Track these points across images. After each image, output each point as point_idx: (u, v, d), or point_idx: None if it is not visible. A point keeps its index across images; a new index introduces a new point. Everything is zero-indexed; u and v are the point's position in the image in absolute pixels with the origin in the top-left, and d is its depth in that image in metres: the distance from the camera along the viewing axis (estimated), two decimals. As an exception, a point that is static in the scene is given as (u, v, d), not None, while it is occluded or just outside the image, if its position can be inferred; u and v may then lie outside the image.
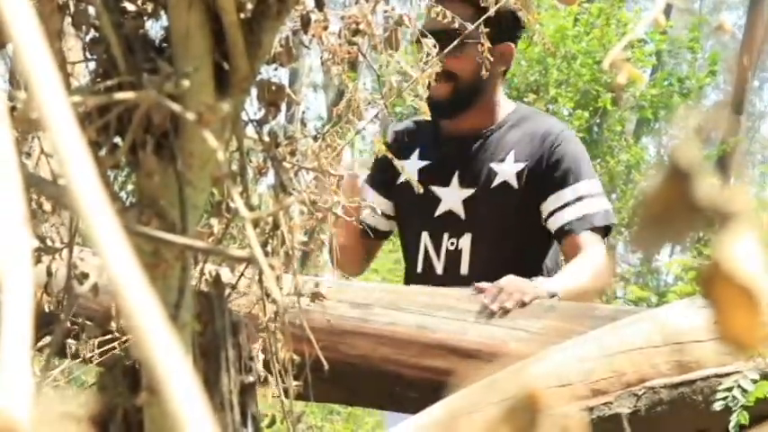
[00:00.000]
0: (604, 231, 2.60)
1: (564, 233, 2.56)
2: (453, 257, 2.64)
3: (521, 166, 2.62)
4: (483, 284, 2.26)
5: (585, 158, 2.66)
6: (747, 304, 0.52)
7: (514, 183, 2.62)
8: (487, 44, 2.18)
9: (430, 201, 2.65)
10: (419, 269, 2.69)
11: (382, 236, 2.85)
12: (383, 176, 2.71)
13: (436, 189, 2.66)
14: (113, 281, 0.41)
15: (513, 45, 2.63)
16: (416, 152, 2.71)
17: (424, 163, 2.70)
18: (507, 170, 2.62)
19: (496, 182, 2.63)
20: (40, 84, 0.41)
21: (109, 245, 0.41)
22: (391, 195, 2.75)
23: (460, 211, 2.65)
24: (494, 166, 2.64)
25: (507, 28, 2.53)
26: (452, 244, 2.65)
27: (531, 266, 2.61)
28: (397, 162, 2.03)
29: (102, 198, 0.41)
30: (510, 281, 2.24)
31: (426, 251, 2.68)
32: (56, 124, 0.39)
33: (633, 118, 9.38)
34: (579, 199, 2.57)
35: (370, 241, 2.79)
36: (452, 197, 2.65)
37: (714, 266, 0.52)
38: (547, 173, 2.60)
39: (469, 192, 2.64)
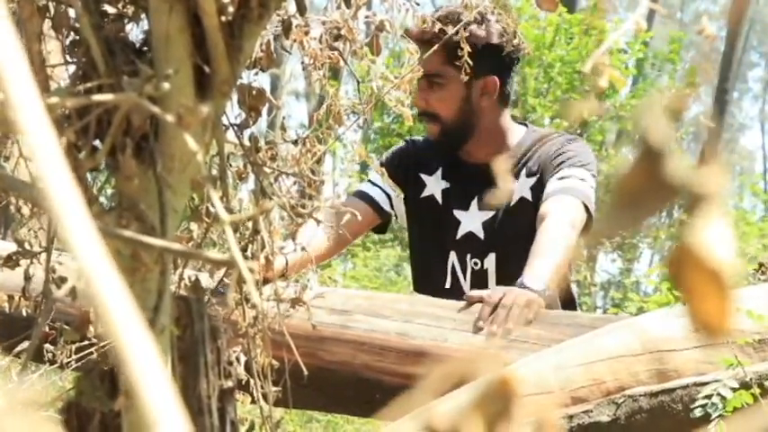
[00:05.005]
0: (582, 206, 2.49)
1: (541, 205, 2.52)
2: (479, 277, 2.65)
3: (533, 180, 2.63)
4: (474, 293, 2.24)
5: (583, 154, 2.62)
6: (717, 288, 0.52)
7: (530, 197, 2.62)
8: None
9: (451, 222, 2.68)
10: (447, 284, 2.69)
11: (381, 218, 2.77)
12: (404, 171, 2.71)
13: (457, 212, 2.69)
14: (89, 284, 0.40)
15: (495, 77, 2.61)
16: (440, 171, 2.73)
17: (447, 184, 2.72)
18: (521, 186, 2.64)
19: (514, 199, 2.64)
20: (14, 86, 0.40)
21: (84, 248, 0.40)
22: (411, 203, 2.74)
23: (480, 233, 2.66)
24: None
25: (485, 62, 2.52)
26: (476, 264, 2.67)
27: None
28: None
29: (78, 201, 0.41)
30: (506, 294, 2.18)
31: (454, 269, 2.69)
32: (30, 126, 0.39)
33: (614, 128, 9.40)
34: (561, 178, 2.54)
35: (372, 219, 2.73)
36: (472, 220, 2.68)
37: (684, 250, 0.52)
38: (547, 174, 2.60)
39: (489, 214, 2.66)
